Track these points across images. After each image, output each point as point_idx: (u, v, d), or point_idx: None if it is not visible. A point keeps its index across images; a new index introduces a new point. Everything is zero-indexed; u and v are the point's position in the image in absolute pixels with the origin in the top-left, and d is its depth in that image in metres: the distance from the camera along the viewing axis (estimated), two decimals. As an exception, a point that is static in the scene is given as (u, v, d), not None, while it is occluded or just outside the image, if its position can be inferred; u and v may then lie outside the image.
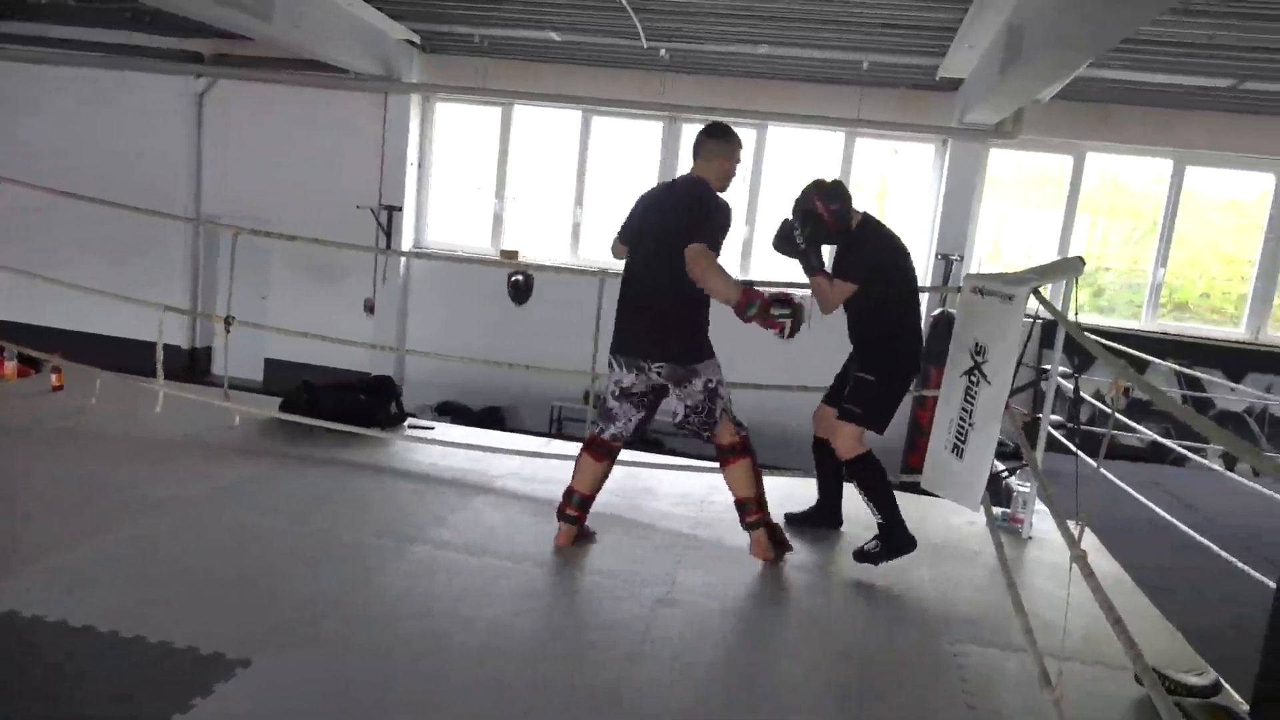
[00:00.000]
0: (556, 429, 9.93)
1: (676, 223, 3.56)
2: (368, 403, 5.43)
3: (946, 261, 9.15)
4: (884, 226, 3.97)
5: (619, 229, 3.89)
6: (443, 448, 5.03)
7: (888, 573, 3.81)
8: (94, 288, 6.07)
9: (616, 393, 3.77)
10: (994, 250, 9.95)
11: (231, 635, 2.83)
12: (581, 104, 9.69)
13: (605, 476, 3.93)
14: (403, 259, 10.22)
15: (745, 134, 9.55)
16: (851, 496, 4.10)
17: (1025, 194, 10.09)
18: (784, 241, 3.86)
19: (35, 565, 3.20)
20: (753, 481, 3.79)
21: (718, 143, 3.74)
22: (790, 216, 3.83)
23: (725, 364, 3.76)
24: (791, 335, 3.60)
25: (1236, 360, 9.14)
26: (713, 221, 3.57)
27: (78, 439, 4.73)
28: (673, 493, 4.72)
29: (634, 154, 9.94)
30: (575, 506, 3.88)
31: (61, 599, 2.97)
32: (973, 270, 9.47)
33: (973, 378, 3.88)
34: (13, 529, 3.54)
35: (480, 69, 9.51)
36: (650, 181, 10.18)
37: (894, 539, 3.79)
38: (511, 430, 9.87)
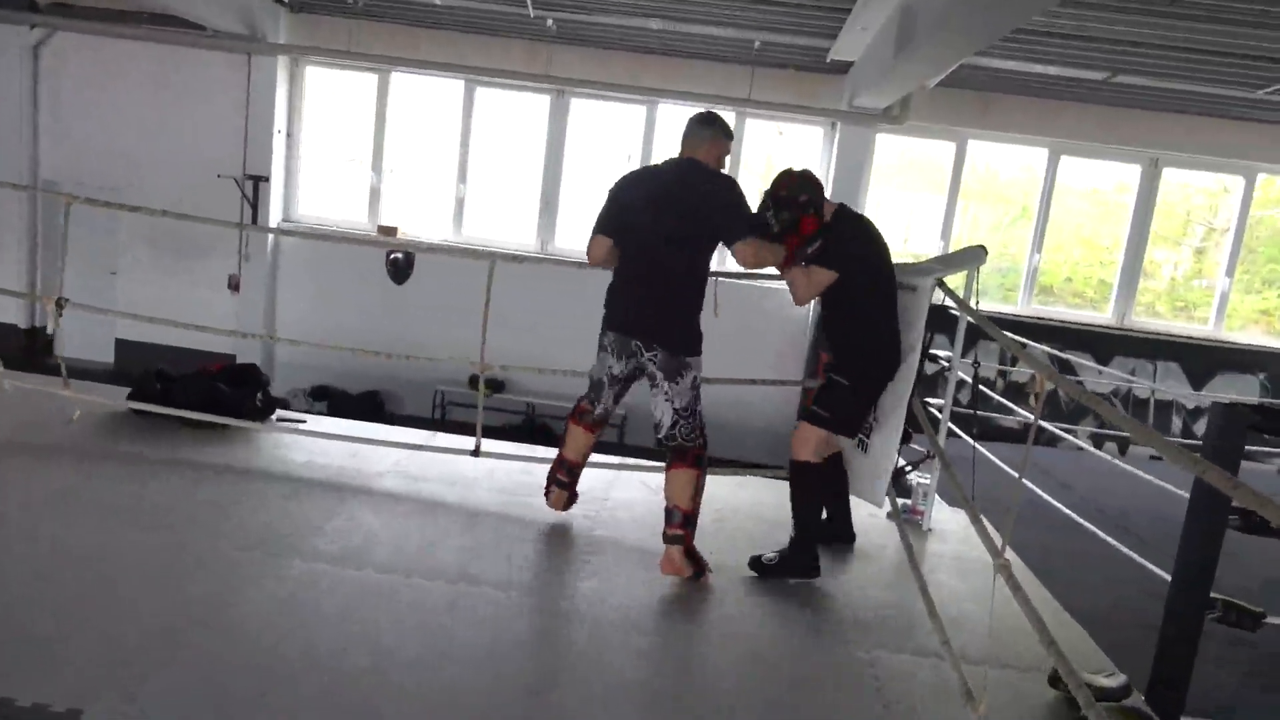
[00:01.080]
0: (440, 415, 9.52)
1: (711, 214, 3.50)
2: (231, 392, 4.93)
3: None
4: (862, 216, 3.82)
5: (600, 222, 3.67)
6: (316, 441, 4.63)
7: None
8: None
9: (608, 377, 3.74)
10: (879, 234, 10.06)
11: (60, 682, 2.42)
12: (464, 73, 9.23)
13: (591, 448, 4.02)
14: (270, 234, 9.54)
15: (634, 111, 9.42)
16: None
17: (906, 180, 10.25)
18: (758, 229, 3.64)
19: None
20: (693, 495, 3.56)
21: (714, 130, 3.59)
22: (762, 204, 3.62)
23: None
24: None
25: (1104, 344, 9.56)
26: (747, 208, 3.54)
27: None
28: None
29: (520, 127, 9.56)
30: (566, 472, 3.98)
31: None
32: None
33: (878, 371, 3.79)
34: None
35: (354, 31, 8.91)
36: (537, 156, 9.76)
37: (798, 560, 3.65)
38: (393, 416, 9.42)
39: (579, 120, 9.50)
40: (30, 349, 9.47)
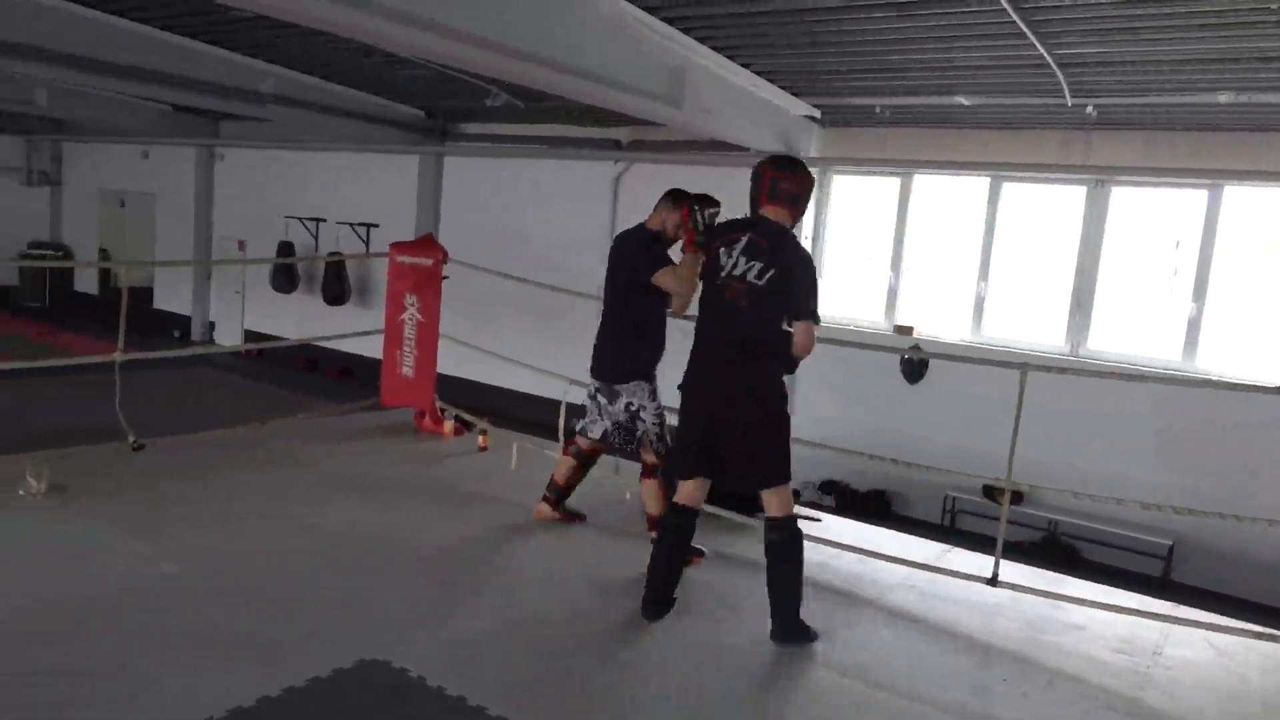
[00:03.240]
0: (950, 521, 9.11)
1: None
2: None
3: None
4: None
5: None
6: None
7: None
8: (517, 356, 6.68)
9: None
10: None
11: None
12: (990, 170, 8.96)
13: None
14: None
15: (1195, 195, 8.24)
16: None
17: None
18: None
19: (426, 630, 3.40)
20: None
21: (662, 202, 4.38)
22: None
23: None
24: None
25: None
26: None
27: (485, 503, 5.09)
28: (1107, 635, 3.90)
29: (1049, 221, 8.95)
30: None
31: (447, 669, 3.09)
32: None
33: None
34: (417, 589, 3.83)
35: (879, 138, 9.21)
36: (1068, 252, 8.97)
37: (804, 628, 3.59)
38: (898, 517, 9.25)
39: (1119, 210, 8.60)
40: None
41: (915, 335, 9.44)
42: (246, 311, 14.47)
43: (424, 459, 5.84)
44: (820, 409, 9.82)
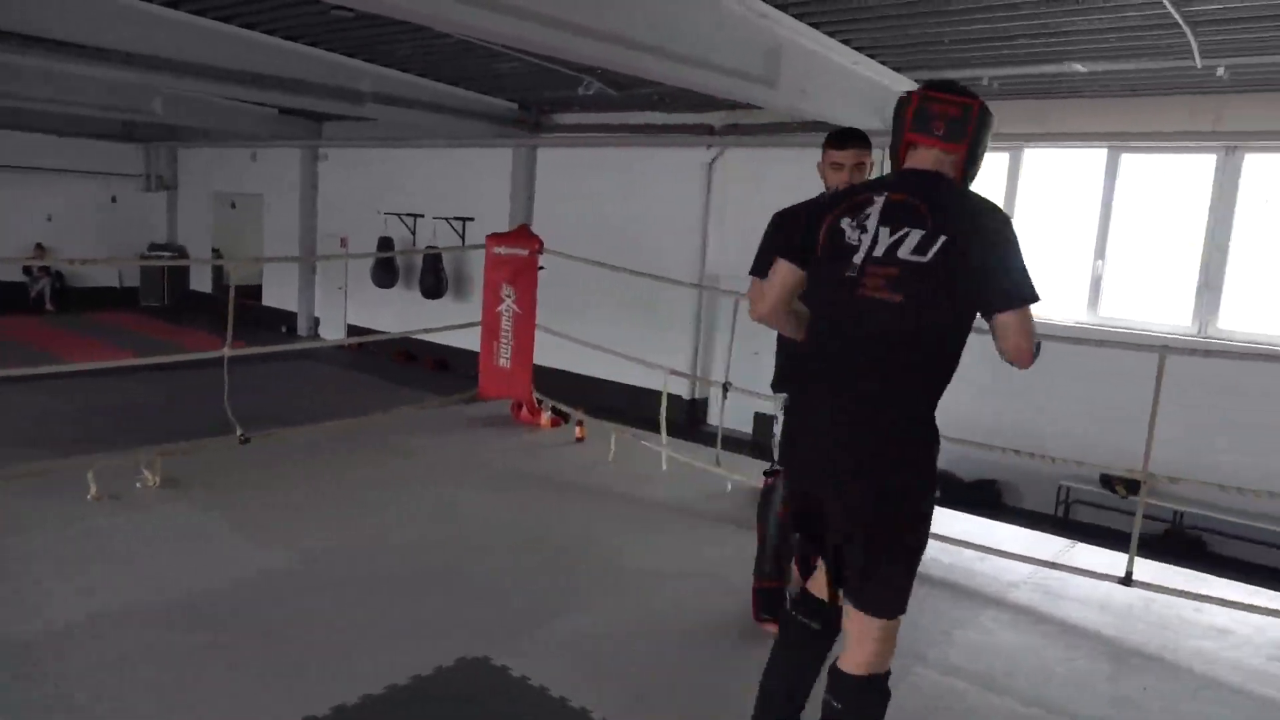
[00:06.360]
0: (1064, 512, 8.66)
1: None
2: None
3: None
4: None
5: None
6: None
7: None
8: (611, 345, 6.63)
9: None
10: None
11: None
12: (1108, 140, 8.44)
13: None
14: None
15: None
16: None
17: None
18: None
19: (542, 629, 3.35)
20: None
21: None
22: None
23: None
24: None
25: None
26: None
27: (587, 495, 5.05)
28: (1259, 640, 3.59)
29: (1173, 194, 8.39)
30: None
31: (553, 669, 3.02)
32: None
33: None
34: (525, 583, 3.79)
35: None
36: (1195, 225, 8.35)
37: None
38: (1009, 508, 8.85)
39: (1253, 179, 7.99)
40: (690, 416, 11.12)
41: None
42: (349, 306, 14.87)
43: (523, 450, 5.84)
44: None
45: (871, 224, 2.16)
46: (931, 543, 3.24)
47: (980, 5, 6.13)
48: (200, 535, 4.04)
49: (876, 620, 2.15)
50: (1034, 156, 9.16)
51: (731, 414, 10.39)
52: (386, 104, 9.95)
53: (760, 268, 2.60)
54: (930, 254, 2.09)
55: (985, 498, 8.92)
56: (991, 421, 7.88)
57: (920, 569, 2.61)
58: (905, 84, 8.61)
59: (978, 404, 9.01)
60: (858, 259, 2.15)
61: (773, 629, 2.84)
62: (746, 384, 7.58)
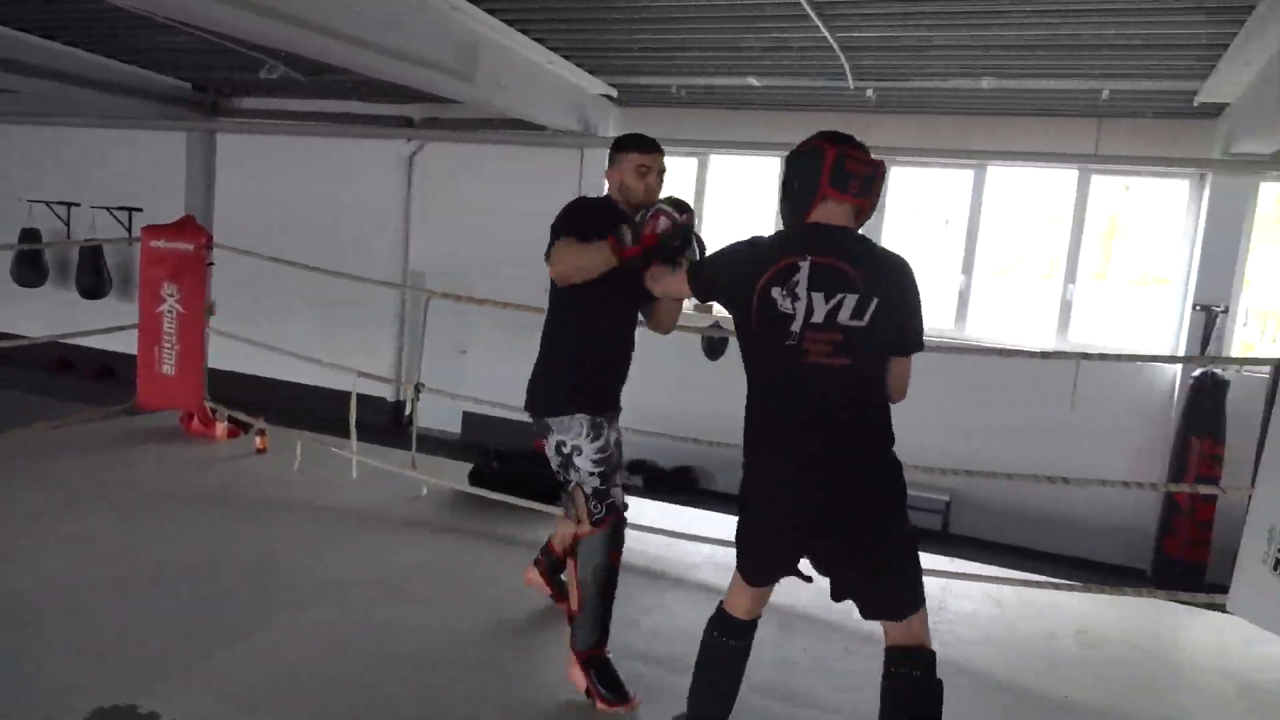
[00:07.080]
0: (752, 493, 9.36)
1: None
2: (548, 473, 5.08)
3: (1208, 313, 7.89)
4: None
5: None
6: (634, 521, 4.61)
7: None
8: (298, 350, 6.18)
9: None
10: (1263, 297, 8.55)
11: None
12: (780, 150, 9.21)
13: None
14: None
15: (960, 175, 8.87)
16: None
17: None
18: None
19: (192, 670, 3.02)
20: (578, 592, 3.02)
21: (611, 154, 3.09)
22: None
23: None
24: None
25: None
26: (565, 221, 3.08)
27: (271, 510, 4.66)
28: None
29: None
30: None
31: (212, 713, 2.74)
32: (1238, 323, 8.16)
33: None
34: (180, 618, 3.41)
35: (676, 119, 9.26)
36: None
37: None
38: (704, 492, 9.41)
39: (898, 189, 9.12)
40: (395, 420, 10.72)
41: (715, 314, 9.59)
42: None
43: (191, 465, 5.27)
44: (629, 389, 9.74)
45: (802, 290, 2.29)
46: (628, 532, 3.34)
47: (667, 16, 6.43)
48: None
49: (914, 616, 2.38)
50: (719, 162, 9.80)
51: (437, 415, 10.17)
52: (26, 75, 8.62)
53: (573, 231, 2.96)
54: (867, 317, 2.27)
55: (683, 484, 9.42)
56: (684, 412, 8.32)
57: (623, 559, 3.11)
58: (600, 87, 8.85)
59: (675, 399, 9.50)
60: (795, 327, 2.29)
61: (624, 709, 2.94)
62: (451, 384, 7.43)
